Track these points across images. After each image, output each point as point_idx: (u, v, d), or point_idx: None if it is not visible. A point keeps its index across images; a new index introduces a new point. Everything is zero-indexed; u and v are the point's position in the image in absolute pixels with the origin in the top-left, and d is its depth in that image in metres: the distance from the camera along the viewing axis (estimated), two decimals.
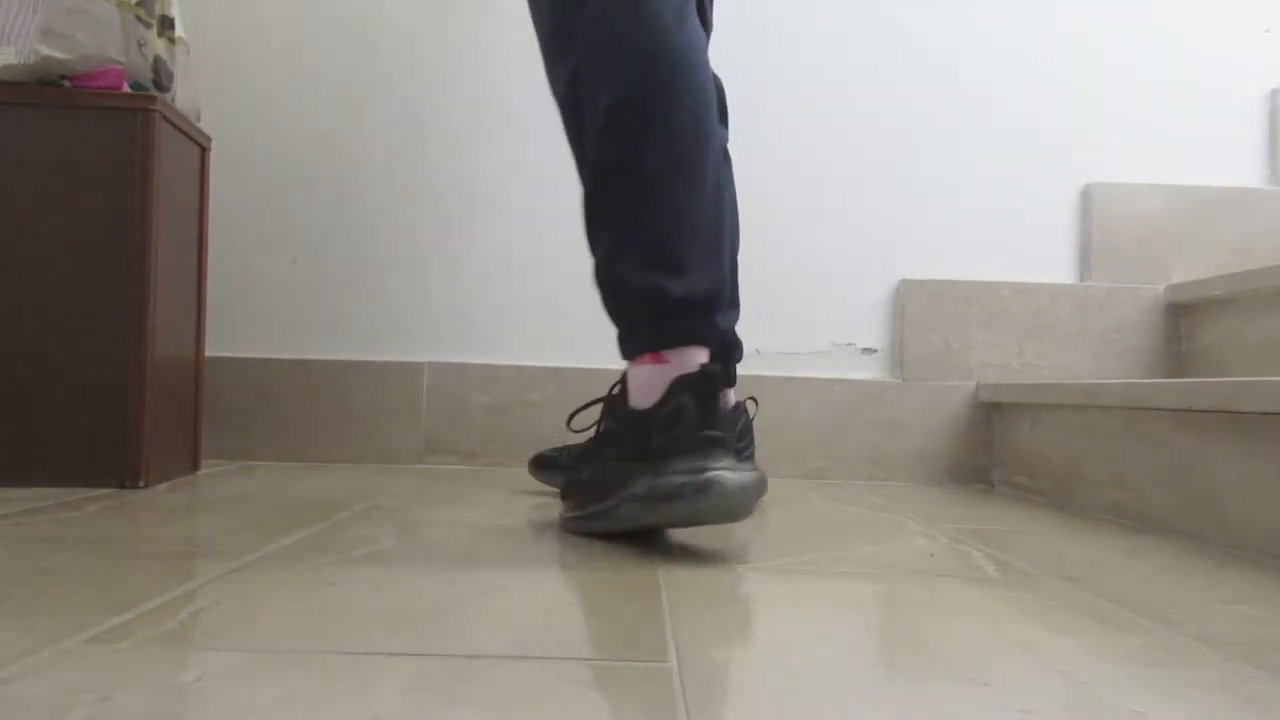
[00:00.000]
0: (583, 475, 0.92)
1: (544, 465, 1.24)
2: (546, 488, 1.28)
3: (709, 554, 0.86)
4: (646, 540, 0.91)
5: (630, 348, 0.90)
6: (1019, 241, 1.64)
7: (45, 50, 1.13)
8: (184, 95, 1.31)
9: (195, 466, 1.37)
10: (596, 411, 1.13)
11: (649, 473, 0.82)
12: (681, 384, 0.84)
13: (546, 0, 0.95)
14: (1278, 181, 1.65)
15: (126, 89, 1.18)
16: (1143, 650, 0.57)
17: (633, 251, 0.88)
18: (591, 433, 1.01)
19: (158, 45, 1.24)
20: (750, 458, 1.22)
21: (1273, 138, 1.65)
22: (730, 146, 1.22)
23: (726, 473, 0.80)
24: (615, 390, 0.91)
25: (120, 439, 1.16)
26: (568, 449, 1.19)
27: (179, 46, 1.30)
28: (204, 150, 1.36)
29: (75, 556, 0.75)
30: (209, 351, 1.43)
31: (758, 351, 1.58)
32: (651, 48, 0.88)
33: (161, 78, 1.24)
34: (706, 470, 0.80)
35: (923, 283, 1.61)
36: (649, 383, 0.86)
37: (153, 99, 1.18)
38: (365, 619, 0.59)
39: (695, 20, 0.93)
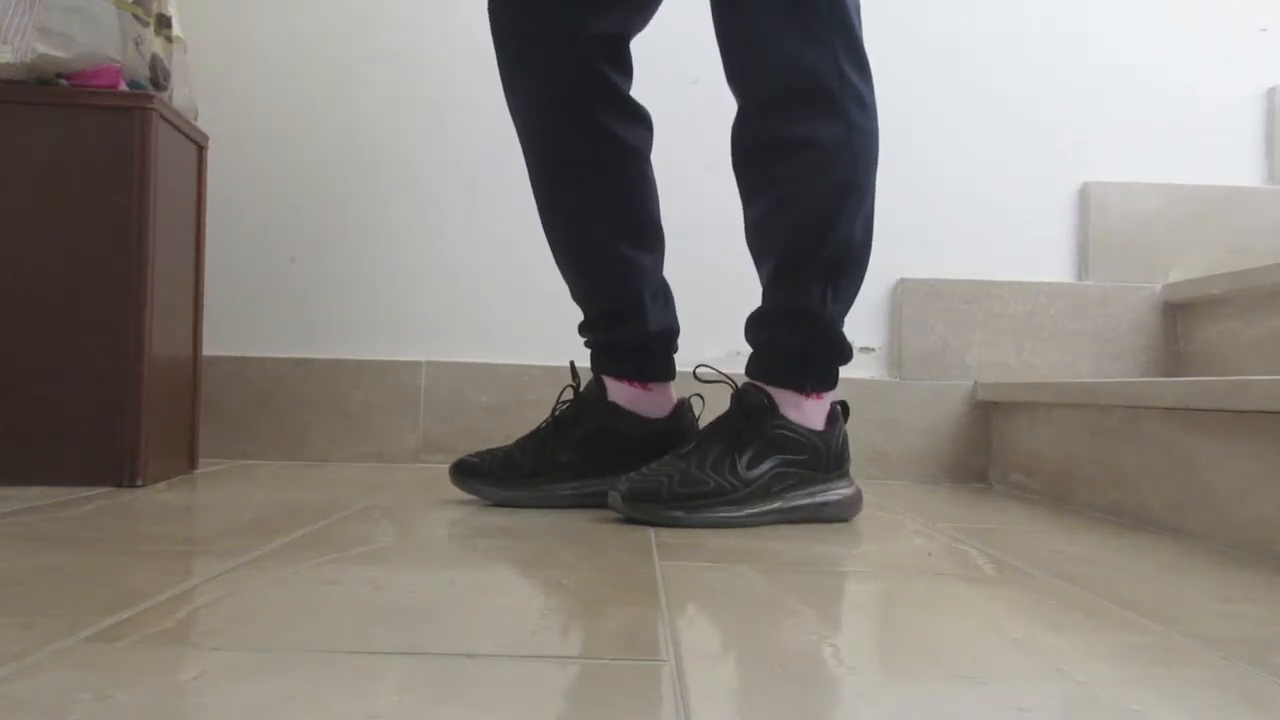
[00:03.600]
0: (749, 476, 1.03)
1: (468, 473, 1.14)
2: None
3: (708, 553, 0.86)
4: (646, 540, 0.91)
5: (817, 383, 1.09)
6: (1017, 240, 1.64)
7: (42, 49, 1.13)
8: (181, 94, 1.31)
9: (193, 465, 1.37)
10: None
11: (843, 479, 1.10)
12: (839, 413, 1.11)
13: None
14: (1275, 180, 1.66)
15: (124, 87, 1.18)
16: (1141, 649, 0.57)
17: (847, 312, 1.11)
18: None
19: (155, 44, 1.24)
20: None
21: (1270, 136, 1.66)
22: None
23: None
24: (762, 401, 1.06)
25: (118, 438, 1.16)
26: (490, 453, 1.15)
27: (176, 45, 1.30)
28: (201, 149, 1.36)
29: (73, 555, 0.75)
30: (206, 350, 1.43)
31: None
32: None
33: (159, 76, 1.24)
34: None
35: (921, 281, 1.61)
36: (818, 413, 1.09)
37: (150, 97, 1.18)
38: (363, 618, 0.59)
39: None
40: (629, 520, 1.01)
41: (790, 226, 1.06)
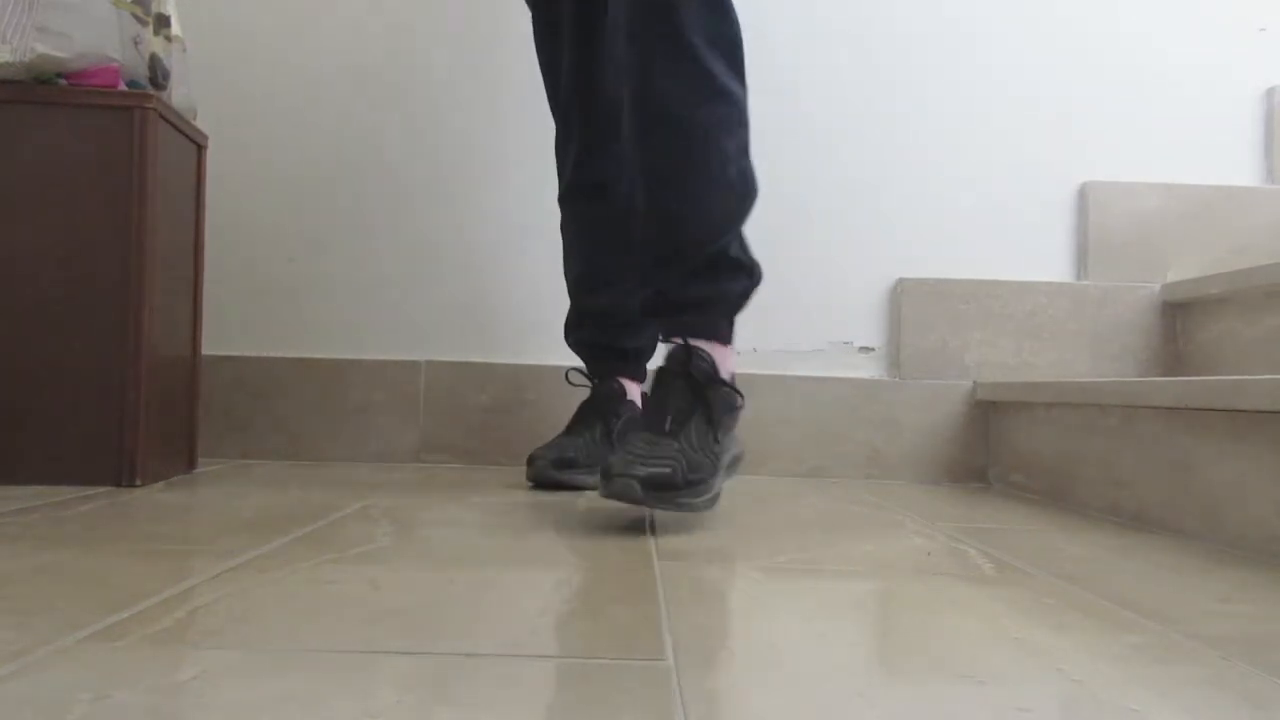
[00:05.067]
0: (718, 449, 1.04)
1: (568, 466, 1.28)
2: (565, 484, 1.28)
3: (707, 552, 0.86)
4: (645, 540, 0.91)
5: (730, 333, 1.09)
6: (1016, 240, 1.64)
7: (41, 48, 1.13)
8: (180, 93, 1.31)
9: (192, 465, 1.37)
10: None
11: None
12: None
13: None
14: (1274, 180, 1.66)
15: (123, 87, 1.18)
16: (1140, 648, 0.58)
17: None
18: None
19: (154, 43, 1.24)
20: None
21: (1269, 136, 1.66)
22: None
23: None
24: (710, 367, 1.06)
25: (116, 438, 1.16)
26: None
27: (175, 44, 1.30)
28: (200, 148, 1.36)
29: (72, 555, 0.75)
30: (205, 350, 1.43)
31: (754, 350, 1.58)
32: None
33: (158, 75, 1.24)
34: None
35: (920, 281, 1.61)
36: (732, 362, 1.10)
37: (149, 97, 1.18)
38: (362, 617, 0.59)
39: None
40: (629, 525, 1.01)
41: (716, 179, 1.06)
